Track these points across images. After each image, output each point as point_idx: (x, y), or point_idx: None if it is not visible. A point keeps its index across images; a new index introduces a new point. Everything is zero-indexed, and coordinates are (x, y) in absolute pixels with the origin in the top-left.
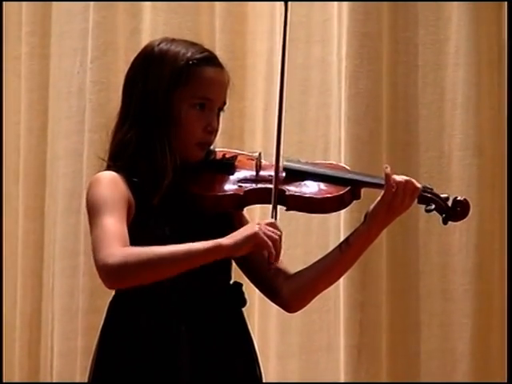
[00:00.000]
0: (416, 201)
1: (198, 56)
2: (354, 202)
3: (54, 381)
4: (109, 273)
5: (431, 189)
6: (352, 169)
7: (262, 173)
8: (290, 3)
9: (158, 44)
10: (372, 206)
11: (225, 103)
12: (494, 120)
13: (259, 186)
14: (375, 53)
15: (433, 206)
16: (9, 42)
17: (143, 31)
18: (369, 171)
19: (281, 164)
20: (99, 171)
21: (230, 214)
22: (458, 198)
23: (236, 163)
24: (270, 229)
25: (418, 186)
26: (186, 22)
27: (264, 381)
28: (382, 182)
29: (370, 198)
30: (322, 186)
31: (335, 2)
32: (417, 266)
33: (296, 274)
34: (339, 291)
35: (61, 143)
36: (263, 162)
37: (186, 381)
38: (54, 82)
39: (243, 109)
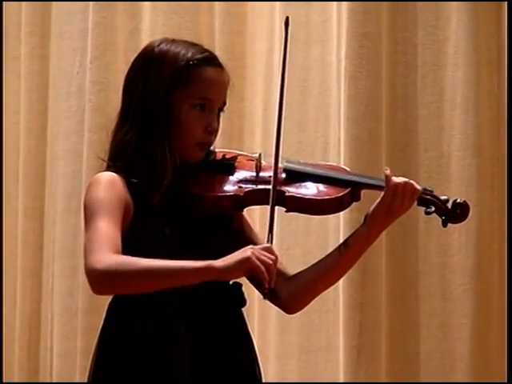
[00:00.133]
0: (416, 203)
1: (198, 56)
2: (354, 203)
3: (54, 381)
4: (96, 279)
5: (431, 191)
6: (351, 169)
7: (261, 174)
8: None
9: (158, 44)
10: (371, 208)
11: (225, 103)
12: (493, 120)
13: (259, 186)
14: (374, 53)
15: (432, 209)
16: (8, 42)
17: (143, 31)
18: (368, 171)
19: (281, 165)
20: (99, 171)
21: (229, 214)
22: (458, 201)
23: (236, 164)
24: (265, 253)
25: (418, 188)
26: (185, 22)
27: (263, 381)
28: (382, 184)
29: (370, 200)
30: (322, 187)
31: (334, 3)
32: (416, 266)
33: (295, 275)
34: (339, 292)
35: (60, 143)
36: (263, 162)
37: (186, 381)
38: (53, 82)
39: (242, 109)
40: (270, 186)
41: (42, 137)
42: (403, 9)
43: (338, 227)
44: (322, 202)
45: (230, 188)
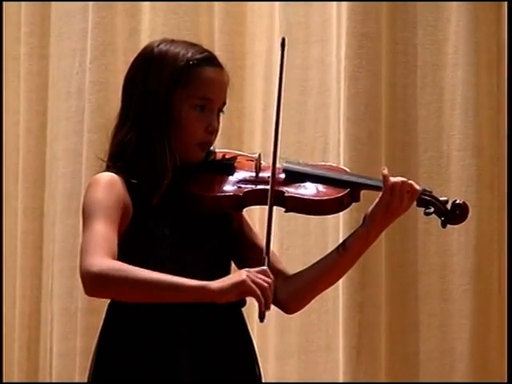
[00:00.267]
0: (415, 203)
1: (197, 56)
2: (354, 204)
3: (53, 381)
4: (88, 281)
5: (430, 191)
6: (351, 170)
7: (261, 174)
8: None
9: (158, 45)
10: (370, 208)
11: (224, 103)
12: (493, 120)
13: (258, 187)
14: (374, 53)
15: (432, 209)
16: (8, 42)
17: (142, 32)
18: (368, 172)
19: (280, 165)
20: (98, 172)
21: (229, 214)
22: (458, 201)
23: (235, 164)
24: (260, 276)
25: (417, 187)
26: (185, 22)
27: (263, 381)
28: (381, 185)
29: (370, 200)
30: (321, 187)
31: (334, 3)
32: (416, 266)
33: (294, 275)
34: (338, 292)
35: (60, 143)
36: (263, 163)
37: (186, 381)
38: (53, 82)
39: (242, 109)
40: (269, 187)
41: (42, 137)
42: (403, 9)
43: (337, 227)
44: (321, 203)
45: (229, 188)
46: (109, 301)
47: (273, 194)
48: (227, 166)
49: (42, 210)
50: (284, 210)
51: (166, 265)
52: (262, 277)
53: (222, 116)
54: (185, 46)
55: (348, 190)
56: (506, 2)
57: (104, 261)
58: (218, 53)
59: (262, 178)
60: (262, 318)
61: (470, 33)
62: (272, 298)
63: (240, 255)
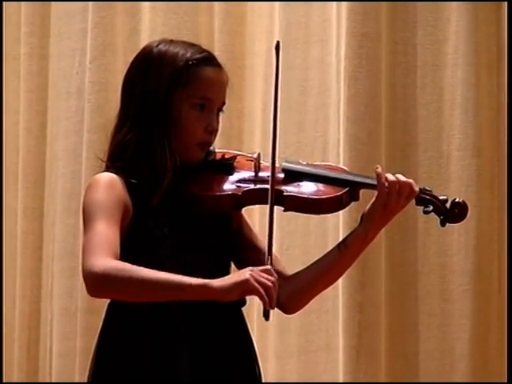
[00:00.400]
0: (414, 202)
1: (196, 56)
2: (353, 203)
3: (53, 381)
4: (91, 281)
5: (430, 190)
6: (351, 169)
7: (260, 174)
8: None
9: (157, 45)
10: (368, 207)
11: (224, 103)
12: (492, 120)
13: (258, 186)
14: (374, 53)
15: (431, 208)
16: (8, 42)
17: (142, 32)
18: (367, 171)
19: (279, 165)
20: (98, 172)
21: (228, 214)
22: (457, 200)
23: (235, 164)
24: (264, 275)
25: (414, 185)
26: (184, 22)
27: (263, 381)
28: None
29: (370, 199)
30: (321, 186)
31: (334, 3)
32: (415, 266)
33: (294, 275)
34: (338, 292)
35: (60, 143)
36: (262, 162)
37: (186, 381)
38: (52, 82)
39: (242, 109)
40: (269, 186)
41: (42, 137)
42: (403, 9)
43: (337, 227)
44: (320, 201)
45: (228, 187)
46: (108, 301)
47: (273, 192)
48: (227, 165)
49: (41, 210)
50: (283, 209)
51: (166, 265)
52: (266, 275)
53: (221, 116)
54: (184, 46)
55: (347, 188)
56: (505, 2)
57: (106, 261)
58: (217, 53)
59: (262, 177)
60: (266, 316)
61: (469, 33)
62: (276, 296)
63: (240, 255)
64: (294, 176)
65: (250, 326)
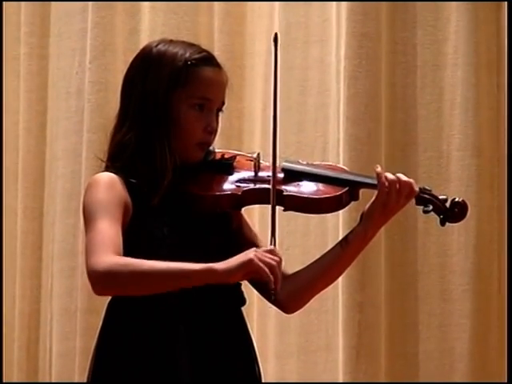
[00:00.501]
0: (414, 202)
1: (196, 56)
2: (353, 202)
3: (53, 381)
4: (96, 280)
5: (429, 190)
6: (351, 169)
7: (260, 173)
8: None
9: (156, 45)
10: (367, 206)
11: (223, 103)
12: (492, 120)
13: (257, 186)
14: (374, 53)
15: (430, 207)
16: (8, 42)
17: (142, 31)
18: (367, 171)
19: (279, 165)
20: (98, 172)
21: (228, 214)
22: (456, 200)
23: (235, 164)
24: (268, 255)
25: (414, 184)
26: (184, 22)
27: (263, 381)
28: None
29: (369, 199)
30: (320, 186)
31: (334, 3)
32: (415, 266)
33: (293, 274)
34: (338, 291)
35: (59, 143)
36: (262, 162)
37: (186, 381)
38: (52, 82)
39: (242, 109)
40: (268, 186)
41: (42, 137)
42: (402, 9)
43: (336, 227)
44: (320, 201)
45: (228, 187)
46: (108, 301)
47: (275, 170)
48: (226, 165)
49: (41, 210)
50: (283, 208)
51: None
52: (270, 255)
53: (221, 116)
54: (183, 46)
55: (347, 188)
56: (505, 2)
57: (109, 258)
58: (217, 53)
59: (261, 177)
60: (274, 296)
61: (469, 33)
62: (281, 276)
63: None
64: (293, 176)
65: (250, 326)
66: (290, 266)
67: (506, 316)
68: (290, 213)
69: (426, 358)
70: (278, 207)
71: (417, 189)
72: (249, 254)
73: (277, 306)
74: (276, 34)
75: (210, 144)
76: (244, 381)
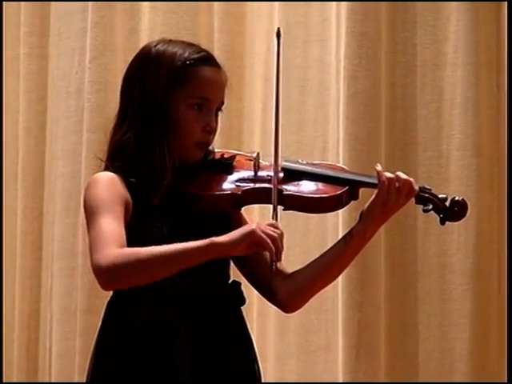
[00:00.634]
0: (414, 201)
1: (195, 56)
2: (352, 202)
3: (53, 381)
4: (102, 274)
5: (429, 189)
6: (350, 169)
7: (260, 173)
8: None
9: (155, 45)
10: (367, 205)
11: (223, 103)
12: (492, 120)
13: (257, 185)
14: (374, 53)
15: (430, 206)
16: (7, 42)
17: (141, 31)
18: (367, 171)
19: (279, 164)
20: (97, 171)
21: (228, 213)
22: (456, 199)
23: (234, 163)
24: (270, 228)
25: (411, 180)
26: (184, 22)
27: (262, 381)
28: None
29: (369, 198)
30: (320, 185)
31: (334, 2)
32: (415, 266)
33: (293, 273)
34: (337, 291)
35: (59, 143)
36: (261, 162)
37: (185, 380)
38: (52, 82)
39: (241, 109)
40: (268, 185)
41: (41, 136)
42: (402, 8)
43: (336, 226)
44: (319, 200)
45: (228, 187)
46: (107, 300)
47: (278, 160)
48: (226, 165)
49: (41, 210)
50: (283, 208)
51: None
52: (272, 228)
53: (220, 115)
54: (182, 46)
55: (347, 187)
56: (505, 2)
57: (111, 251)
58: (217, 52)
59: (261, 176)
60: (275, 266)
61: (469, 32)
62: (283, 249)
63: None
64: (293, 175)
65: (250, 326)
66: (290, 265)
67: (505, 316)
68: (290, 212)
69: (426, 358)
70: (278, 207)
71: (416, 188)
72: (250, 225)
73: (276, 306)
74: (279, 29)
75: (209, 144)
76: (243, 381)
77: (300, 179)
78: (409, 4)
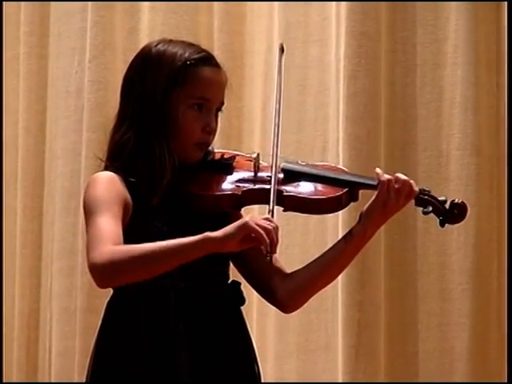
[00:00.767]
0: (413, 202)
1: (195, 56)
2: (352, 203)
3: (53, 380)
4: (97, 271)
5: (429, 191)
6: (350, 169)
7: (260, 173)
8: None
9: (156, 45)
10: (366, 206)
11: (223, 103)
12: (492, 119)
13: (257, 186)
14: (373, 52)
15: (430, 209)
16: (7, 41)
17: (141, 31)
18: (367, 171)
19: (279, 165)
20: (97, 171)
21: (228, 213)
22: (456, 201)
23: (234, 164)
24: (264, 220)
25: (414, 185)
26: (184, 21)
27: (262, 380)
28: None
29: (369, 199)
30: (320, 187)
31: (333, 2)
32: (415, 265)
33: (292, 273)
34: (337, 290)
35: (59, 142)
36: (261, 162)
37: (185, 380)
38: (52, 81)
39: (241, 109)
40: (268, 186)
41: (41, 136)
42: (402, 8)
43: (336, 226)
44: (319, 202)
45: (228, 187)
46: (107, 300)
47: (276, 163)
48: (226, 165)
49: (41, 209)
50: (282, 209)
51: None
52: (266, 221)
53: (220, 115)
54: (182, 46)
55: (346, 189)
56: (505, 2)
57: (107, 248)
58: (217, 52)
59: (261, 177)
60: (270, 258)
61: (469, 32)
62: (278, 241)
63: (238, 254)
64: (293, 176)
65: (250, 326)
66: (290, 265)
67: (505, 315)
68: (290, 213)
69: (426, 358)
70: (278, 207)
71: (416, 189)
72: (244, 218)
73: (276, 306)
74: (282, 45)
75: (208, 144)
76: (243, 380)
77: (300, 180)
78: (408, 3)
